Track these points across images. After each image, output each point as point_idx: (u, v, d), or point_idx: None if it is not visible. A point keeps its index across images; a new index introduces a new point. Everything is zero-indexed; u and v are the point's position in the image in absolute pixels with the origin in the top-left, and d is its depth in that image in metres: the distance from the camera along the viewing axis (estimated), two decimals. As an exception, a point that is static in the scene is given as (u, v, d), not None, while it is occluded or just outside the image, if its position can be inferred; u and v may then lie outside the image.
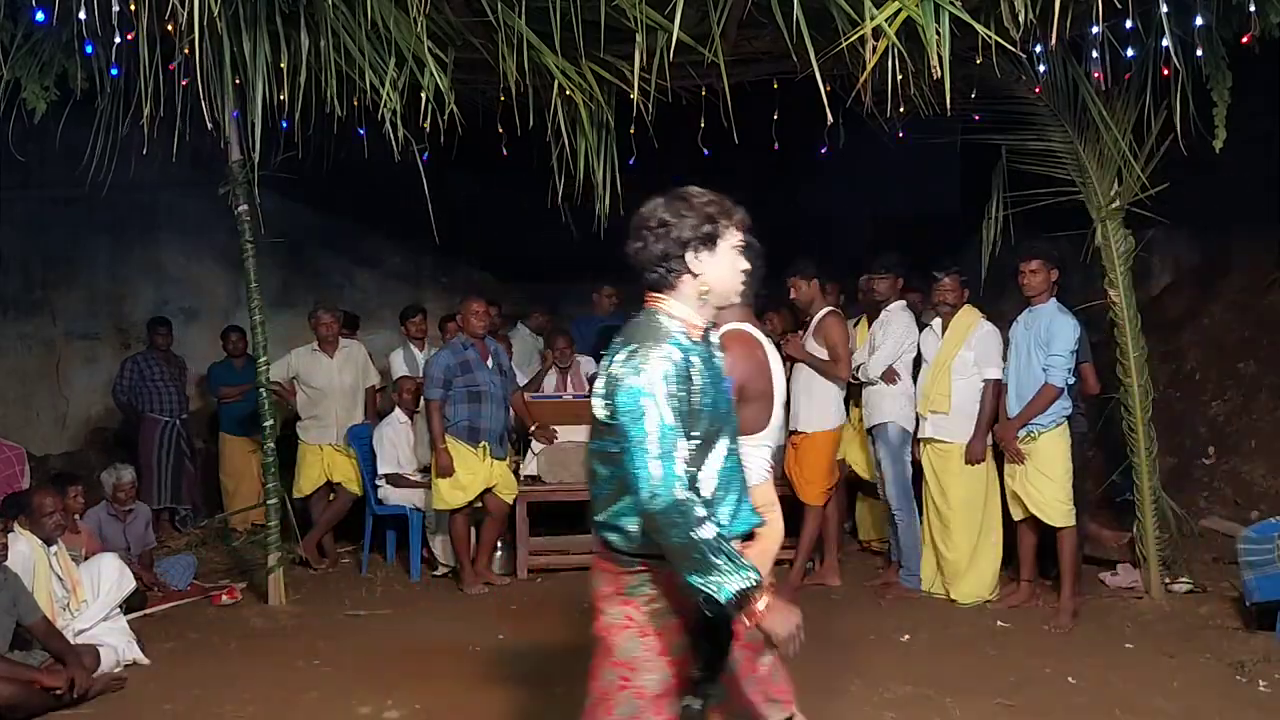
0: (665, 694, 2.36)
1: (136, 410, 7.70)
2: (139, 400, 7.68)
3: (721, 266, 2.40)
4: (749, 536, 2.49)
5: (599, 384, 2.39)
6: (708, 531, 2.19)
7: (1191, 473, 6.99)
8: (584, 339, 7.74)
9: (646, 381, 2.24)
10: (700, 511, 2.20)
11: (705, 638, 2.40)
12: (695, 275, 2.38)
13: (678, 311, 2.40)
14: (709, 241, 2.37)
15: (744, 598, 2.19)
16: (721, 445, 2.40)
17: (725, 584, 2.18)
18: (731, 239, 2.41)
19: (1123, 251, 5.57)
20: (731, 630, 2.41)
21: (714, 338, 2.51)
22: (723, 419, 2.41)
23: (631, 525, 2.34)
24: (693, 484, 2.26)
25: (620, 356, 2.32)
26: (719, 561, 2.18)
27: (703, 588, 2.21)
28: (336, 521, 6.89)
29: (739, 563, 2.20)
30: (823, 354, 5.90)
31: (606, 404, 2.34)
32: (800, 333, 6.08)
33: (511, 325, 8.15)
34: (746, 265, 2.46)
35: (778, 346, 6.19)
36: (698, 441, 2.33)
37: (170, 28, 4.14)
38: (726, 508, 2.40)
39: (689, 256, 2.37)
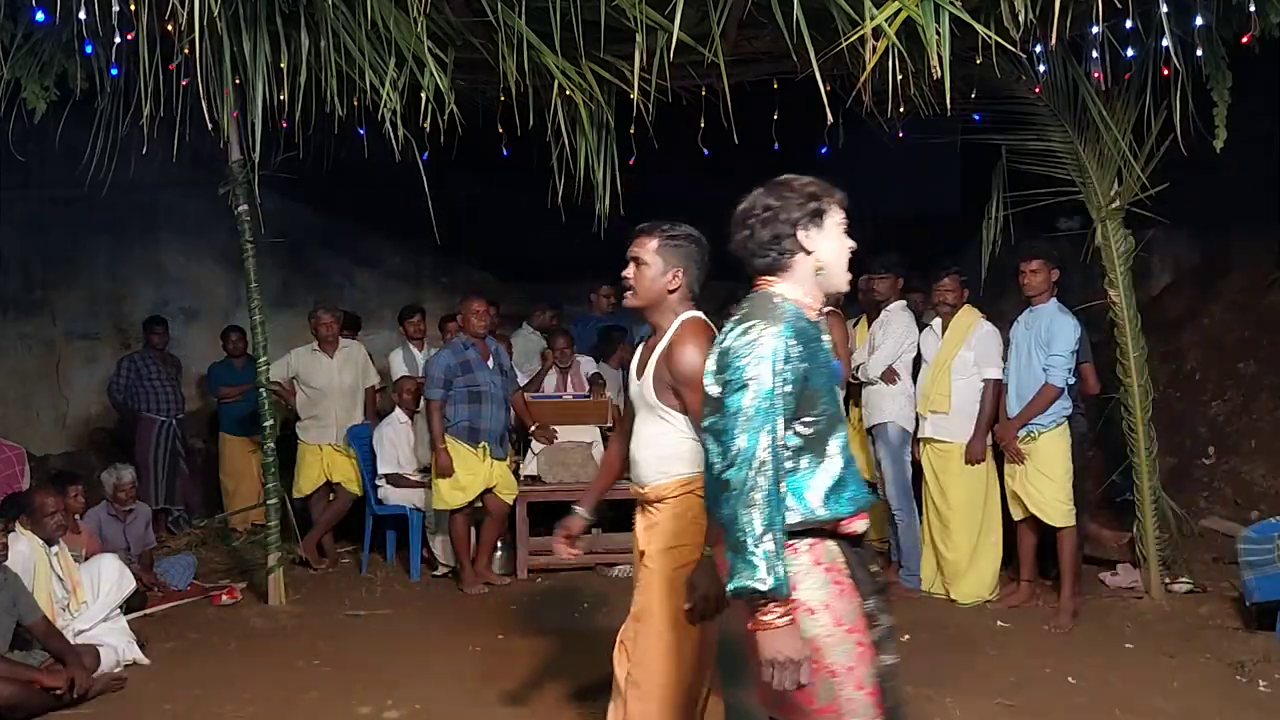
0: (858, 665, 2.31)
1: (132, 410, 7.70)
2: (135, 400, 7.68)
3: (832, 242, 2.42)
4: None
5: (711, 361, 2.38)
6: (757, 518, 2.17)
7: (1191, 473, 6.99)
8: (583, 339, 7.74)
9: (756, 357, 2.24)
10: (759, 497, 2.18)
11: (874, 596, 2.38)
12: (809, 253, 2.40)
13: (791, 293, 2.40)
14: (817, 218, 2.40)
15: (751, 596, 2.18)
16: (841, 427, 2.41)
17: (741, 574, 2.17)
18: (836, 216, 2.43)
19: (1123, 251, 5.57)
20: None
21: (823, 322, 2.49)
22: (836, 401, 2.41)
23: None
24: (779, 467, 2.23)
25: (734, 331, 2.32)
26: (753, 552, 2.16)
27: (730, 565, 2.20)
28: (336, 521, 6.89)
29: (770, 565, 2.17)
30: (823, 354, 5.89)
31: (717, 377, 2.33)
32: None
33: (515, 325, 8.16)
34: (852, 243, 2.46)
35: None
36: (820, 420, 2.33)
37: (170, 28, 4.15)
38: (849, 490, 2.38)
39: (800, 235, 2.39)
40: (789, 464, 2.31)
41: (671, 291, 2.99)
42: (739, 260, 2.47)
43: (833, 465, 2.36)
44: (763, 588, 2.16)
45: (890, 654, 2.40)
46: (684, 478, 2.96)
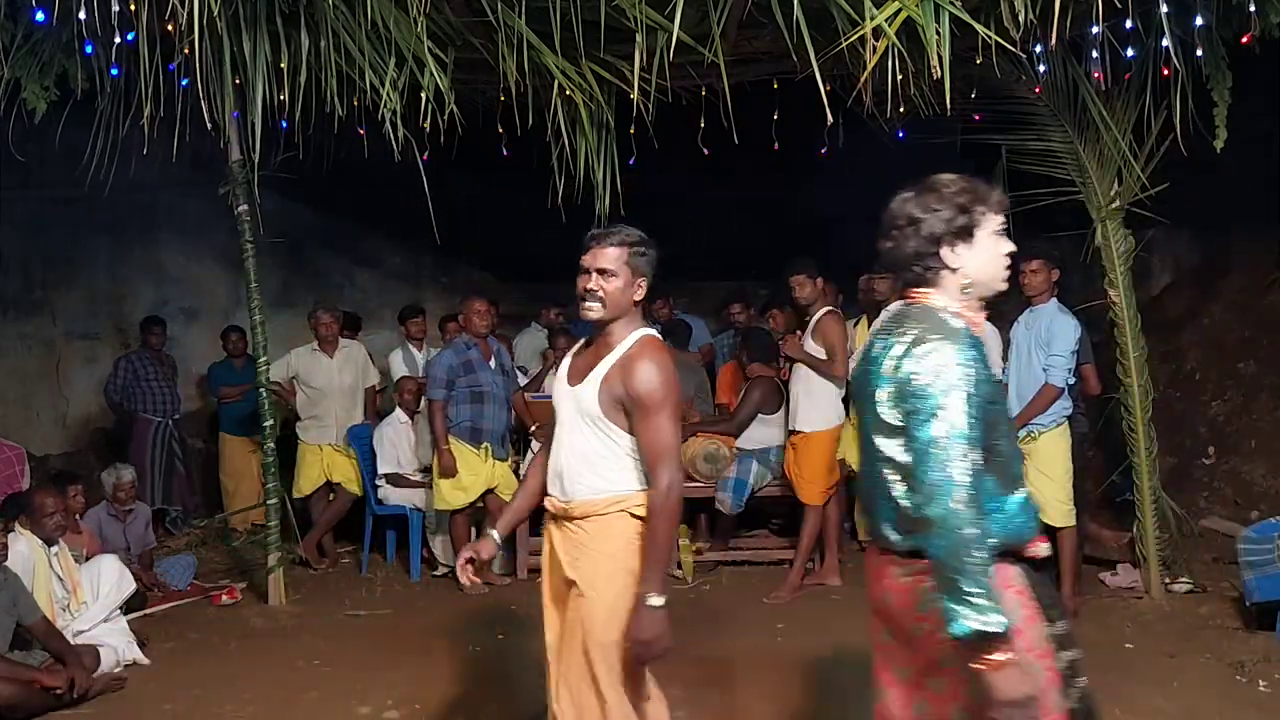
0: (1046, 691, 2.18)
1: (128, 410, 7.70)
2: (131, 400, 7.68)
3: (981, 257, 2.26)
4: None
5: (884, 388, 2.20)
6: (974, 556, 2.03)
7: (1191, 473, 6.99)
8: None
9: (944, 383, 2.10)
10: (972, 531, 2.04)
11: (1060, 620, 2.28)
12: (954, 270, 2.26)
13: (953, 307, 2.25)
14: (965, 234, 2.24)
15: (980, 638, 2.02)
16: (1018, 447, 2.30)
17: (965, 618, 2.01)
18: (990, 225, 2.26)
19: (1123, 251, 5.57)
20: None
21: (982, 335, 2.35)
22: (1012, 421, 2.30)
23: None
24: (977, 494, 2.08)
25: (911, 355, 2.15)
26: (972, 591, 2.01)
27: (946, 609, 2.05)
28: (336, 521, 6.90)
29: (992, 602, 2.02)
30: (821, 354, 5.90)
31: (895, 405, 2.18)
32: (799, 333, 6.09)
33: (516, 325, 8.15)
34: (1010, 247, 2.30)
35: (777, 347, 6.24)
36: (1003, 441, 2.21)
37: (170, 28, 4.15)
38: (1032, 510, 2.28)
39: (944, 252, 2.24)
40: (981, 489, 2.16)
41: (636, 303, 2.89)
42: (894, 265, 2.31)
43: (1020, 486, 2.24)
44: (999, 630, 2.00)
45: (1082, 678, 2.27)
46: (615, 495, 2.82)
